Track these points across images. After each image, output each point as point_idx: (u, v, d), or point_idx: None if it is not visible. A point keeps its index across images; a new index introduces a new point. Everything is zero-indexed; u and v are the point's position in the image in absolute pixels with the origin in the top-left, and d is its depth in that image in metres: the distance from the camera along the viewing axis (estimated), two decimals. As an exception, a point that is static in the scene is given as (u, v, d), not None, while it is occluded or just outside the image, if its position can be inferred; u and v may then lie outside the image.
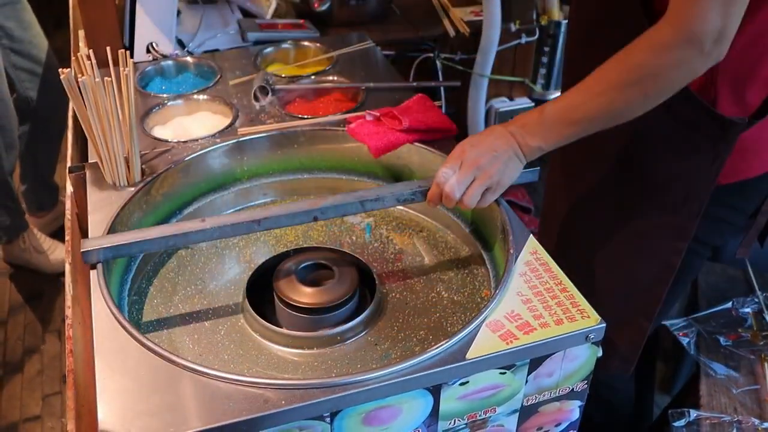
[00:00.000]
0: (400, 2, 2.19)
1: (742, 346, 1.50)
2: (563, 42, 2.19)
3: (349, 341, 1.02)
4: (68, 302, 1.04)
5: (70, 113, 1.54)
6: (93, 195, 1.15)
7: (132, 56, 1.34)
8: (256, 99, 1.40)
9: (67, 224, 1.20)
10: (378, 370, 0.84)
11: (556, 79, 2.28)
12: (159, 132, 1.34)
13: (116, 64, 1.11)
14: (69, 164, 1.26)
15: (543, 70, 2.27)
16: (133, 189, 1.15)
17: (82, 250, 0.98)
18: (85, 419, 0.94)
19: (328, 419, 0.83)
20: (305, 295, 1.04)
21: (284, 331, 1.02)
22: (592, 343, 0.93)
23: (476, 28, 2.05)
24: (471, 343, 0.88)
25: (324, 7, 1.97)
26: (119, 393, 0.82)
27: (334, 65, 1.57)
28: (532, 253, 1.03)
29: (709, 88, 1.07)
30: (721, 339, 1.52)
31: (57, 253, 2.50)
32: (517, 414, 0.97)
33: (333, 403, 0.82)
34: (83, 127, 1.12)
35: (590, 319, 0.92)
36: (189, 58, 1.60)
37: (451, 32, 2.07)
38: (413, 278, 1.16)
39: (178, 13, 1.80)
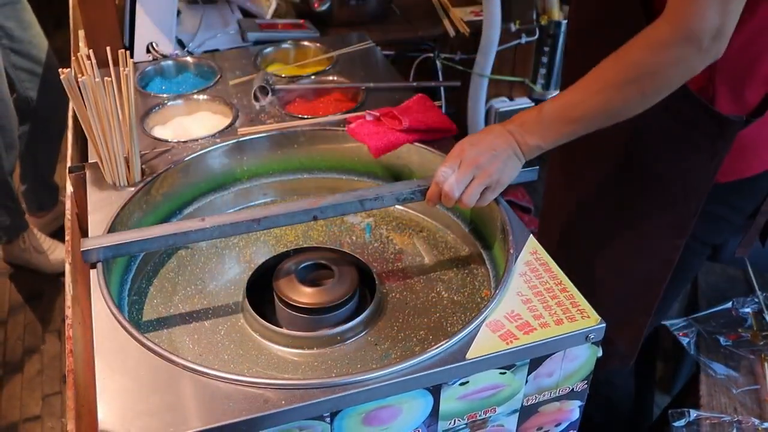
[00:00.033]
0: (400, 2, 2.19)
1: (742, 346, 1.50)
2: (563, 42, 2.19)
3: (349, 341, 1.02)
4: (68, 302, 1.04)
5: (70, 113, 1.54)
6: (93, 195, 1.15)
7: (132, 56, 1.33)
8: (256, 99, 1.40)
9: (67, 224, 1.20)
10: (378, 370, 0.84)
11: (556, 79, 2.28)
12: (159, 132, 1.34)
13: (116, 64, 1.11)
14: (69, 164, 1.26)
15: (543, 70, 2.27)
16: (133, 189, 1.15)
17: (81, 249, 0.98)
18: (85, 419, 0.94)
19: (328, 419, 0.83)
20: (305, 295, 1.04)
21: (284, 331, 1.02)
22: (592, 343, 0.93)
23: (476, 28, 2.05)
24: (471, 343, 0.88)
25: (324, 7, 1.97)
26: (119, 393, 0.82)
27: (334, 65, 1.57)
28: (532, 253, 1.03)
29: (708, 86, 1.08)
30: (721, 339, 1.52)
31: (57, 253, 2.50)
32: (517, 414, 0.97)
33: (333, 403, 0.82)
34: (83, 127, 1.13)
35: (590, 319, 0.92)
36: (189, 58, 1.60)
37: (451, 32, 2.07)
38: (413, 278, 1.16)
39: (178, 13, 1.80)
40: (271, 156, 1.32)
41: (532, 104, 2.28)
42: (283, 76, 1.51)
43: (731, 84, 1.08)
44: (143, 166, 1.20)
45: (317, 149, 1.33)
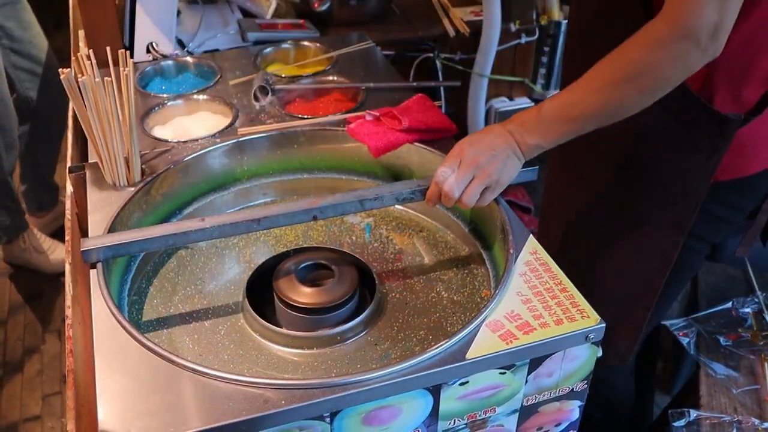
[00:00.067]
0: (400, 2, 2.19)
1: (742, 346, 1.50)
2: (563, 42, 2.20)
3: (349, 341, 1.02)
4: (68, 302, 1.04)
5: (70, 113, 1.54)
6: (93, 195, 1.15)
7: (132, 56, 1.33)
8: (256, 99, 1.40)
9: (67, 224, 1.20)
10: (378, 370, 0.84)
11: (556, 79, 2.28)
12: (159, 132, 1.34)
13: (116, 64, 1.11)
14: (69, 164, 1.26)
15: (543, 70, 2.27)
16: (133, 189, 1.15)
17: (81, 249, 0.98)
18: (85, 419, 0.94)
19: (328, 419, 0.83)
20: (305, 295, 1.04)
21: (284, 331, 1.02)
22: (592, 343, 0.93)
23: (476, 28, 2.05)
24: (471, 343, 0.88)
25: (324, 7, 1.97)
26: (119, 393, 0.82)
27: (334, 65, 1.57)
28: (531, 253, 1.03)
29: (707, 84, 1.08)
30: (721, 339, 1.52)
31: (57, 253, 2.50)
32: (517, 414, 0.97)
33: (333, 403, 0.82)
34: (83, 127, 1.13)
35: (590, 319, 0.92)
36: (189, 58, 1.60)
37: (451, 32, 2.07)
38: (413, 278, 1.16)
39: (178, 13, 1.80)
40: (271, 156, 1.32)
41: (532, 104, 2.28)
42: (283, 76, 1.51)
43: (730, 82, 1.08)
44: (143, 166, 1.20)
45: (317, 149, 1.33)
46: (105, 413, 0.80)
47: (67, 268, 1.11)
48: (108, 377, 0.84)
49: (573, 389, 0.99)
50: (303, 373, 0.97)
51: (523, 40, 2.18)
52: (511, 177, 1.06)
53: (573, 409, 1.03)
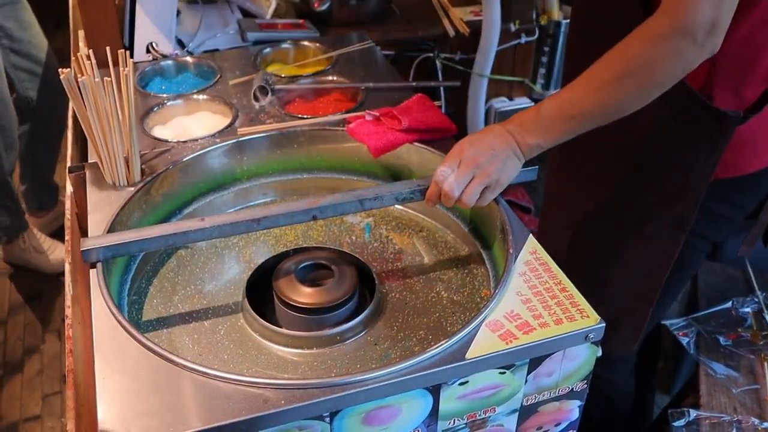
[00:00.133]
0: (400, 2, 2.19)
1: (742, 346, 1.50)
2: (563, 42, 2.20)
3: (348, 341, 1.02)
4: (68, 302, 1.04)
5: (70, 113, 1.54)
6: (93, 195, 1.15)
7: (132, 56, 1.34)
8: (256, 99, 1.40)
9: (67, 224, 1.20)
10: (377, 370, 0.84)
11: (556, 78, 2.28)
12: (159, 132, 1.34)
13: (116, 64, 1.11)
14: (69, 164, 1.26)
15: (543, 70, 2.27)
16: (132, 189, 1.15)
17: (81, 249, 0.98)
18: (85, 419, 0.94)
19: (327, 419, 0.83)
20: (305, 295, 1.04)
21: (284, 330, 1.02)
22: (592, 342, 0.93)
23: (476, 28, 2.05)
24: (470, 343, 0.88)
25: (324, 7, 1.97)
26: (119, 393, 0.82)
27: (333, 65, 1.57)
28: (531, 253, 1.03)
29: (707, 82, 1.08)
30: (721, 339, 1.52)
31: (57, 253, 2.50)
32: (517, 414, 0.97)
33: (332, 402, 0.82)
34: (83, 127, 1.13)
35: (590, 319, 0.92)
36: (189, 58, 1.60)
37: (451, 32, 2.07)
38: (413, 278, 1.16)
39: (178, 13, 1.80)
40: (270, 156, 1.32)
41: (532, 104, 2.28)
42: (282, 76, 1.51)
43: (730, 80, 1.08)
44: (143, 166, 1.20)
45: (317, 149, 1.33)
46: (105, 413, 0.80)
47: (67, 267, 1.11)
48: (108, 377, 0.84)
49: (573, 389, 0.99)
50: (303, 372, 0.97)
51: (523, 40, 2.18)
52: (511, 177, 1.06)
53: (573, 409, 1.03)
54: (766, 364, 1.45)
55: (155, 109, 1.40)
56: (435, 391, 0.87)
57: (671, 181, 1.18)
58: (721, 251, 1.66)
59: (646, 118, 1.05)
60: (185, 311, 1.08)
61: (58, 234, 2.57)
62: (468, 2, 2.19)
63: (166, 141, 1.29)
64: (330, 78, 1.52)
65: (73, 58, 1.69)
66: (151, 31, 1.65)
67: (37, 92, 2.34)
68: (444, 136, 1.28)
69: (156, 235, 1.02)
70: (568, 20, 2.06)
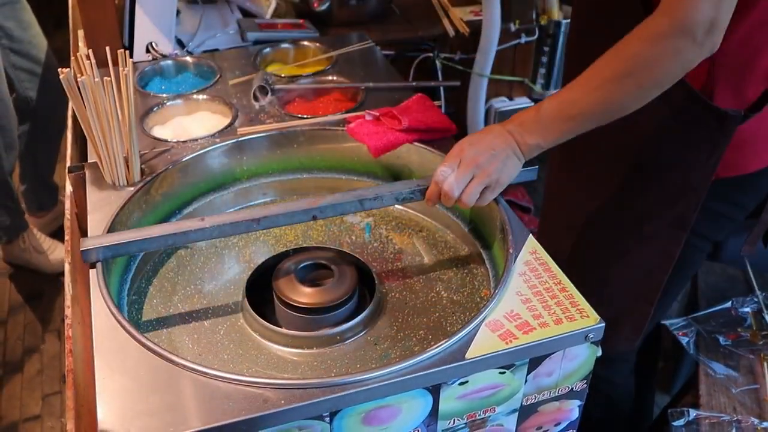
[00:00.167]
0: (400, 2, 2.19)
1: (742, 346, 1.50)
2: (563, 42, 2.20)
3: (348, 341, 1.02)
4: (68, 302, 1.04)
5: (70, 113, 1.54)
6: (92, 195, 1.15)
7: (131, 56, 1.34)
8: (256, 99, 1.40)
9: (67, 224, 1.20)
10: (377, 370, 0.84)
11: (556, 78, 2.28)
12: (158, 132, 1.34)
13: (116, 64, 1.11)
14: (69, 164, 1.26)
15: (543, 70, 2.27)
16: (132, 189, 1.15)
17: (81, 249, 0.98)
18: (85, 419, 0.94)
19: (327, 419, 0.83)
20: (304, 294, 1.04)
21: (284, 330, 1.02)
22: (592, 342, 0.93)
23: (476, 28, 2.05)
24: (470, 342, 0.88)
25: (324, 7, 1.97)
26: (119, 393, 0.82)
27: (333, 65, 1.57)
28: (531, 253, 1.03)
29: (707, 81, 1.08)
30: (721, 338, 1.52)
31: (57, 253, 2.50)
32: (517, 413, 0.97)
33: (332, 402, 0.82)
34: (83, 127, 1.13)
35: (589, 319, 0.92)
36: (188, 58, 1.60)
37: (451, 32, 2.07)
38: (413, 278, 1.16)
39: (178, 12, 1.80)
40: (270, 156, 1.32)
41: (532, 104, 2.28)
42: (282, 75, 1.51)
43: (730, 80, 1.08)
44: (143, 166, 1.20)
45: (317, 149, 1.33)
46: (104, 413, 0.80)
47: (67, 267, 1.11)
48: (107, 377, 0.84)
49: (572, 389, 0.99)
50: (302, 372, 0.97)
51: (523, 39, 2.18)
52: (511, 177, 1.06)
53: (572, 409, 1.03)
54: (765, 363, 1.45)
55: (155, 109, 1.40)
56: (435, 390, 0.87)
57: (671, 180, 1.18)
58: (721, 251, 1.66)
59: (646, 118, 1.05)
60: (185, 311, 1.08)
61: (57, 234, 2.57)
62: (468, 2, 2.19)
63: (166, 141, 1.29)
64: (330, 78, 1.52)
65: (72, 58, 1.69)
66: (150, 31, 1.65)
67: (36, 92, 2.34)
68: (444, 136, 1.28)
69: (156, 235, 1.02)
70: (568, 20, 2.06)
